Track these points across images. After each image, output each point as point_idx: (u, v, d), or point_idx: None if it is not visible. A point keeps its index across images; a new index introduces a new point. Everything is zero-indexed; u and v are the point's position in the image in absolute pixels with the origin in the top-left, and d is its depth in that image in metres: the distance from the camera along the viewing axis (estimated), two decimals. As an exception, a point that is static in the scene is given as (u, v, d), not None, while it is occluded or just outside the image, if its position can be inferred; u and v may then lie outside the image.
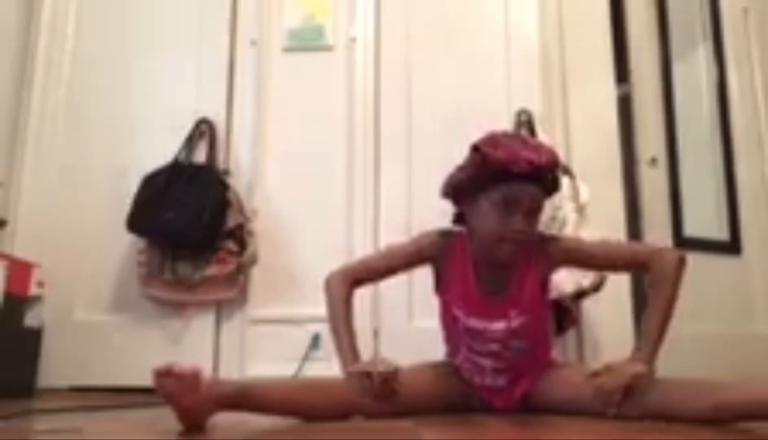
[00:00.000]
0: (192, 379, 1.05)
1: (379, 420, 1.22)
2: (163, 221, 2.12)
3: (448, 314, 1.43)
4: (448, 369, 1.45)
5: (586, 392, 1.29)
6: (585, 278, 1.93)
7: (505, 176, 1.26)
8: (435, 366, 1.46)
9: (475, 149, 1.30)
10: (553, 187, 1.37)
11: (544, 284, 1.41)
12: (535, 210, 1.30)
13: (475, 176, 1.31)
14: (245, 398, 1.16)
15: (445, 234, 1.43)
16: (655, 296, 1.31)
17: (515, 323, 1.36)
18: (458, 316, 1.39)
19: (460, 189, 1.37)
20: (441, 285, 1.45)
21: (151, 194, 2.17)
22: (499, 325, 1.36)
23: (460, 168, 1.36)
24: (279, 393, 1.25)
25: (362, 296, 2.12)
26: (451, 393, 1.40)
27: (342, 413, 1.23)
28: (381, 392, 1.25)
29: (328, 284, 1.45)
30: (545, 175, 1.30)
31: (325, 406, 1.23)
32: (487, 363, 1.38)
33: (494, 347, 1.37)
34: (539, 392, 1.38)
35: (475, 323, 1.37)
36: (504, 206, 1.28)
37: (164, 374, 1.03)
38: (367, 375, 1.25)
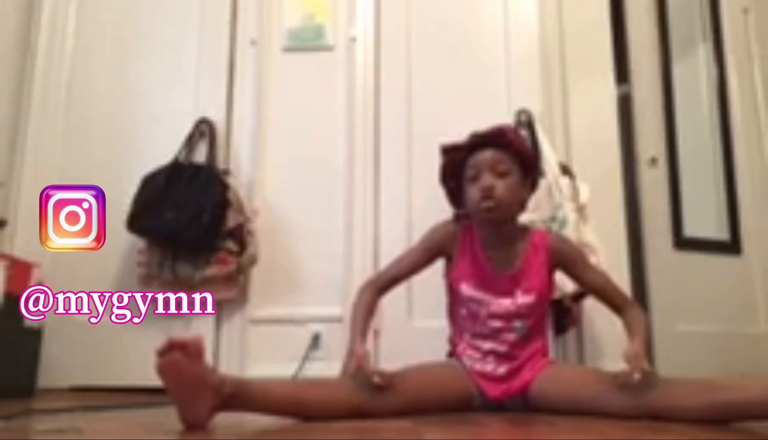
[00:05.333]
0: (195, 346, 1.05)
1: (381, 419, 1.22)
2: (163, 221, 2.12)
3: (456, 295, 1.50)
4: (450, 368, 1.47)
5: (587, 390, 1.30)
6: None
7: (469, 154, 1.47)
8: (437, 365, 1.48)
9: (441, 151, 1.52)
10: (507, 143, 1.46)
11: (551, 272, 1.49)
12: (499, 168, 1.43)
13: (448, 167, 1.51)
14: (248, 391, 1.15)
15: (453, 221, 1.56)
16: (636, 323, 1.42)
17: (521, 300, 1.44)
18: (465, 290, 1.46)
19: (452, 188, 1.53)
20: (451, 268, 1.52)
21: (151, 194, 2.17)
22: (504, 301, 1.45)
23: (440, 179, 1.54)
24: (282, 387, 1.26)
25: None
26: (454, 391, 1.41)
27: (344, 410, 1.23)
28: (377, 384, 1.25)
29: (358, 294, 1.51)
30: (499, 140, 1.45)
31: (326, 403, 1.23)
32: (487, 345, 1.44)
33: (497, 324, 1.44)
34: (539, 388, 1.39)
35: (482, 296, 1.45)
36: (474, 174, 1.45)
37: (167, 349, 1.03)
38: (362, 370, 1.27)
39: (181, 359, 1.03)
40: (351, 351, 1.35)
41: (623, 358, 1.27)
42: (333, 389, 1.27)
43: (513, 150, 1.46)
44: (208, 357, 2.15)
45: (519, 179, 1.46)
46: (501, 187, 1.42)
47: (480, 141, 1.46)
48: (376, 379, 1.24)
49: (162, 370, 1.04)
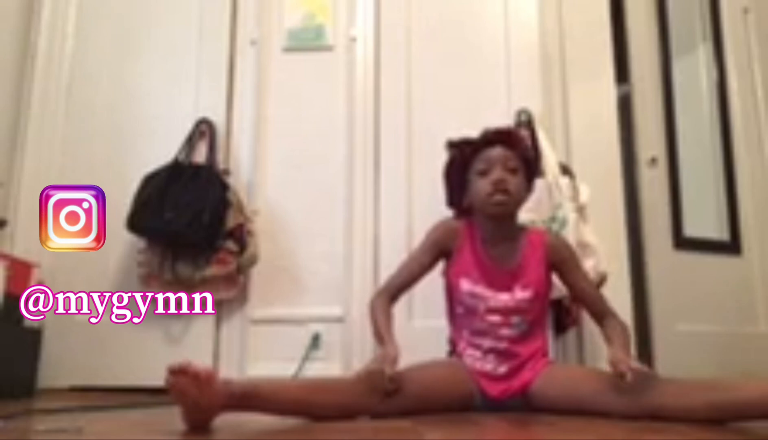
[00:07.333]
0: (206, 379, 1.05)
1: (382, 419, 1.22)
2: (163, 221, 2.12)
3: (454, 292, 1.51)
4: (452, 367, 1.47)
5: (587, 390, 1.31)
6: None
7: (478, 149, 1.50)
8: (439, 365, 1.48)
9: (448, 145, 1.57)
10: (516, 144, 1.52)
11: (548, 269, 1.51)
12: (509, 165, 1.47)
13: (456, 162, 1.54)
14: (254, 397, 1.15)
15: (452, 220, 1.58)
16: (617, 333, 1.44)
17: (519, 296, 1.46)
18: (465, 285, 1.48)
19: (455, 182, 1.55)
20: (451, 265, 1.53)
21: (151, 194, 2.17)
22: (503, 296, 1.47)
23: (445, 172, 1.57)
24: (290, 392, 1.26)
25: (363, 297, 2.15)
26: (455, 391, 1.41)
27: (350, 412, 1.24)
28: (388, 389, 1.26)
29: (371, 304, 1.53)
30: (509, 139, 1.50)
31: (334, 406, 1.23)
32: (486, 343, 1.45)
33: (495, 319, 1.45)
34: (540, 387, 1.39)
35: (481, 290, 1.47)
36: (484, 169, 1.48)
37: (178, 372, 1.03)
38: (378, 373, 1.27)
39: (191, 384, 1.03)
40: (383, 353, 1.36)
41: (609, 364, 1.28)
42: (340, 392, 1.27)
43: (520, 151, 1.51)
44: (208, 358, 2.16)
45: (524, 178, 1.52)
46: (513, 182, 1.47)
47: (492, 138, 1.49)
48: (391, 385, 1.26)
49: (172, 388, 1.04)
